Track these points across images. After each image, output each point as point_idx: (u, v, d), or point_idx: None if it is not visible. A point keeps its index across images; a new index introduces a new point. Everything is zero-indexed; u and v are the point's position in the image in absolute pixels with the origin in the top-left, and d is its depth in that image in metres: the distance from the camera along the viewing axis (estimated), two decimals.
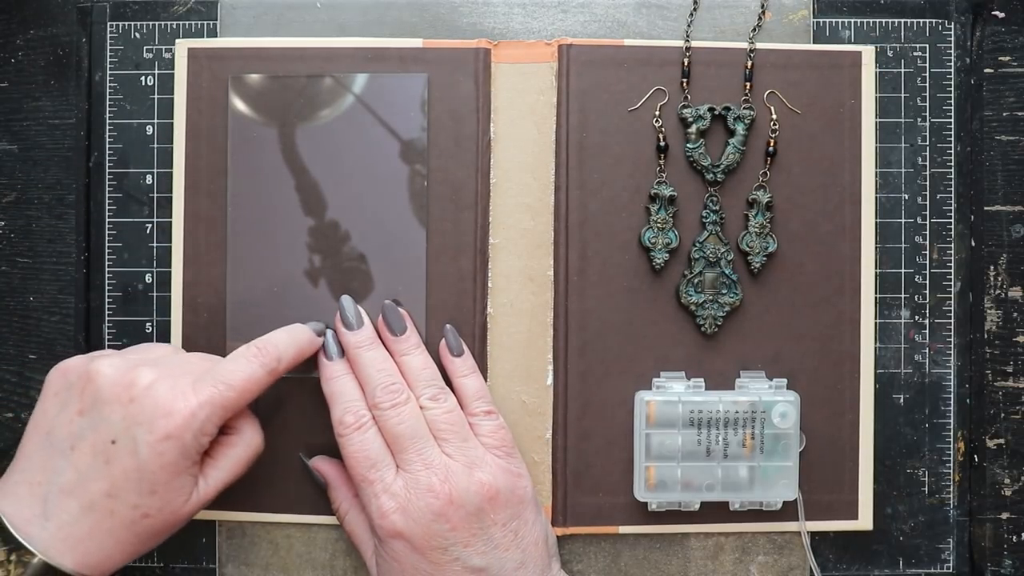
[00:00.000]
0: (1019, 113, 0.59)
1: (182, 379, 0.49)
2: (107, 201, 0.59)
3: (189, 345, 0.58)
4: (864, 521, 0.58)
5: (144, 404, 0.47)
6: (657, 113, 0.57)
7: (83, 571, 0.47)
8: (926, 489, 0.59)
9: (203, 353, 0.53)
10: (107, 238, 0.59)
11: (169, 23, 0.59)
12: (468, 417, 0.54)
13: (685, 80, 0.57)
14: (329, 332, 0.55)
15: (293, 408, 0.58)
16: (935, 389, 0.59)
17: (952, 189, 0.59)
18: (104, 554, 0.47)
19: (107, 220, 0.59)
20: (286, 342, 0.52)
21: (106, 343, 0.59)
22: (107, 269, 0.59)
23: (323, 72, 0.57)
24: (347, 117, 0.57)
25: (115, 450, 0.47)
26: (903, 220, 0.59)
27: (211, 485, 0.50)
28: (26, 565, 0.46)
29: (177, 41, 0.58)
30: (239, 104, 0.58)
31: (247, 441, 0.52)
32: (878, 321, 0.58)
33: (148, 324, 0.59)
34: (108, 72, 0.59)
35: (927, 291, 0.59)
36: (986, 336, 0.59)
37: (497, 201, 0.58)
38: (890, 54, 0.59)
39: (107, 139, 0.59)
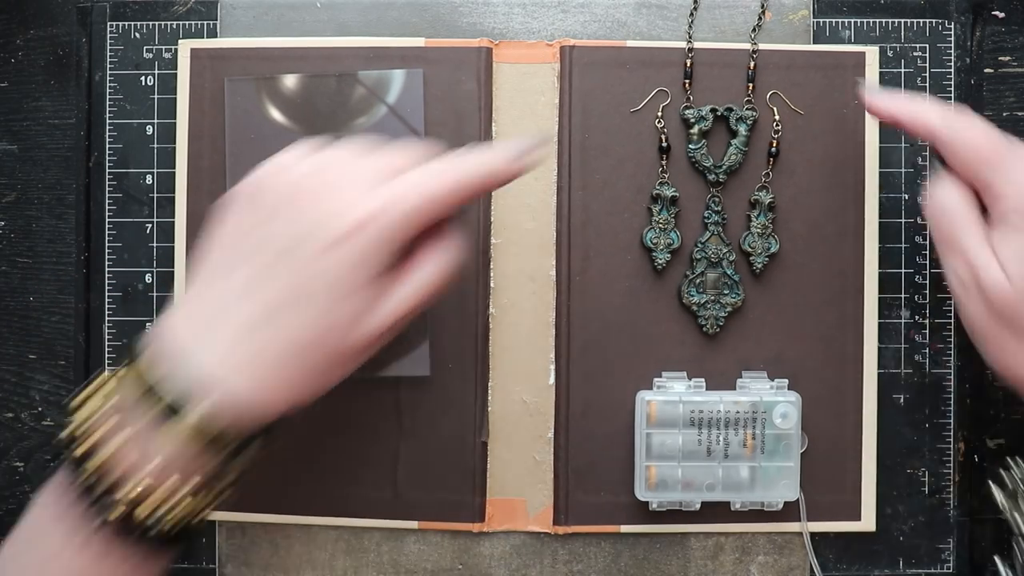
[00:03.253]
0: (1019, 113, 0.60)
1: (356, 185, 0.43)
2: (107, 201, 0.59)
3: None
4: (867, 522, 0.58)
5: (315, 215, 0.42)
6: (659, 114, 0.57)
7: (245, 400, 0.42)
8: (926, 489, 0.59)
9: (392, 152, 0.46)
10: (107, 238, 0.59)
11: (169, 23, 0.59)
12: None
13: (687, 81, 0.57)
14: None
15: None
16: (935, 389, 0.59)
17: None
18: (270, 384, 0.42)
19: (107, 220, 0.59)
20: (482, 164, 0.45)
21: (106, 343, 0.59)
22: (107, 269, 0.59)
23: (325, 72, 0.57)
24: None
25: (283, 266, 0.42)
26: (903, 220, 0.59)
27: (389, 309, 0.44)
28: (185, 385, 0.41)
29: (180, 41, 0.58)
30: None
31: (436, 261, 0.45)
32: (879, 321, 0.58)
33: (148, 324, 0.58)
34: (108, 72, 0.59)
35: (927, 291, 0.59)
36: None
37: (499, 201, 0.58)
38: (890, 54, 0.59)
39: (107, 139, 0.59)
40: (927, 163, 0.59)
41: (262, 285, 0.42)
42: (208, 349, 0.42)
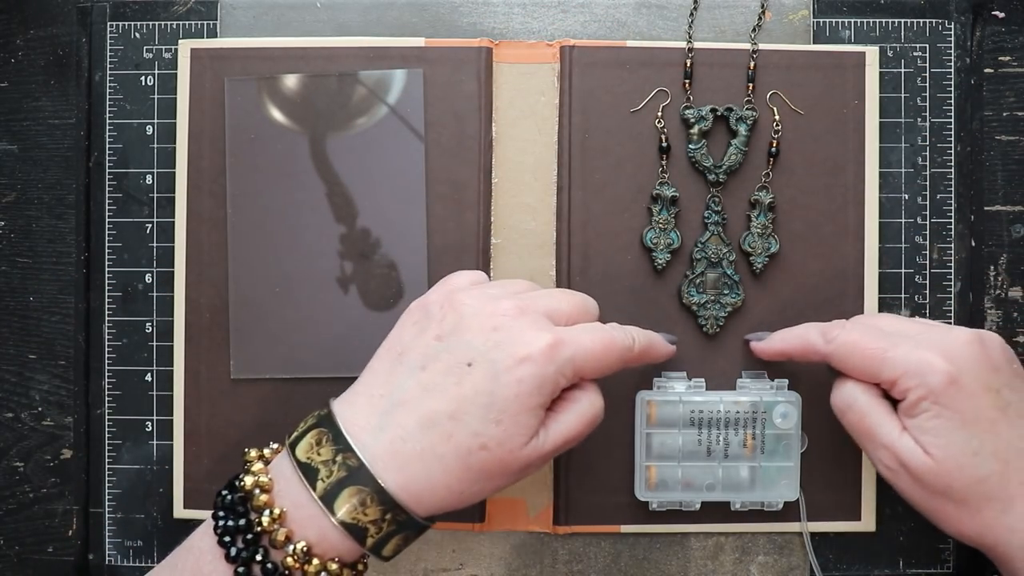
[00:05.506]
0: (1019, 113, 0.60)
1: (537, 321, 0.46)
2: (107, 201, 0.59)
3: (191, 345, 0.58)
4: (867, 522, 0.58)
5: (509, 331, 0.45)
6: (659, 114, 0.57)
7: (403, 495, 0.44)
8: None
9: (564, 294, 0.50)
10: (107, 238, 0.59)
11: (169, 23, 0.59)
12: None
13: (687, 81, 0.57)
14: None
15: (293, 410, 0.58)
16: None
17: (952, 189, 0.59)
18: (430, 482, 0.44)
19: (107, 220, 0.59)
20: (642, 335, 0.51)
21: (106, 343, 0.59)
22: (107, 269, 0.59)
23: (325, 72, 0.57)
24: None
25: (469, 372, 0.45)
26: (903, 220, 0.59)
27: (551, 437, 0.46)
28: (349, 470, 0.44)
29: (180, 41, 0.58)
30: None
31: (591, 400, 0.48)
32: None
33: (148, 324, 0.59)
34: (108, 72, 0.59)
35: (927, 291, 0.59)
36: None
37: (499, 201, 0.58)
38: (890, 54, 0.59)
39: (107, 139, 0.59)
40: (927, 163, 0.59)
41: (446, 386, 0.45)
42: (382, 438, 0.45)
